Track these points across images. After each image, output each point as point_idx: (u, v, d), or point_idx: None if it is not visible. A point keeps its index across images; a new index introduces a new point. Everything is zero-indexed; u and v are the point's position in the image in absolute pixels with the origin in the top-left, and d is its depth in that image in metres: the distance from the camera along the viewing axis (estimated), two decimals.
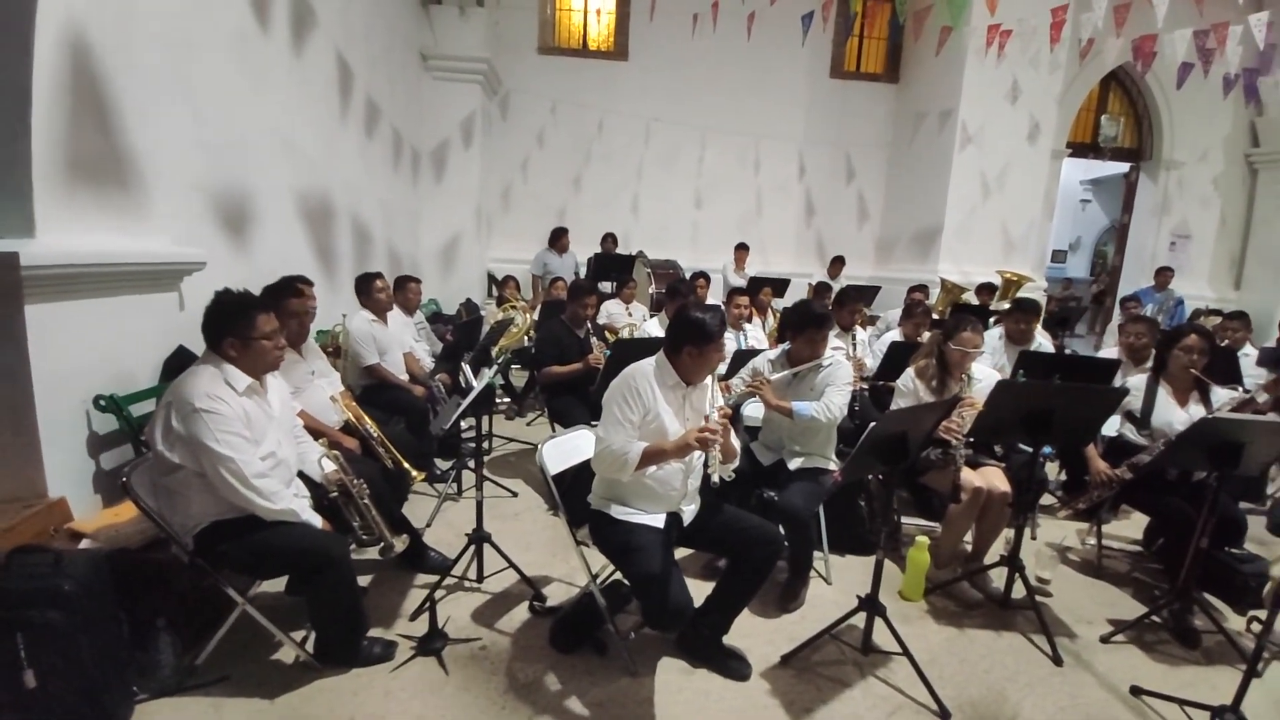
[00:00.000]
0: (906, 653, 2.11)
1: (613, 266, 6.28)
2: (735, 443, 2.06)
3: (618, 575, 2.17)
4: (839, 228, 8.55)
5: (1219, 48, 5.52)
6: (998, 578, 2.67)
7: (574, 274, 6.93)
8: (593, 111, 7.85)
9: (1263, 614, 1.85)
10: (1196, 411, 2.67)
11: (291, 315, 2.61)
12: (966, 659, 2.30)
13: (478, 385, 2.53)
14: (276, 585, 2.25)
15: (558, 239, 6.87)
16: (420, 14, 6.55)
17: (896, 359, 3.54)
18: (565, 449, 2.18)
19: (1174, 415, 2.68)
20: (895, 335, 4.04)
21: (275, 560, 1.90)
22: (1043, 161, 7.47)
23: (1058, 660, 2.29)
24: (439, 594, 2.42)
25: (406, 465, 2.59)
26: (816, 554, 2.72)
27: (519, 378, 5.30)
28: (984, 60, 6.59)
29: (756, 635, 2.32)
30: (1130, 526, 3.42)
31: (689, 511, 2.07)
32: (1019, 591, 2.56)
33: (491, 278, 7.48)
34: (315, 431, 2.44)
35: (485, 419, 4.16)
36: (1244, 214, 8.98)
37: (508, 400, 5.08)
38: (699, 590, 2.18)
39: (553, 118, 7.80)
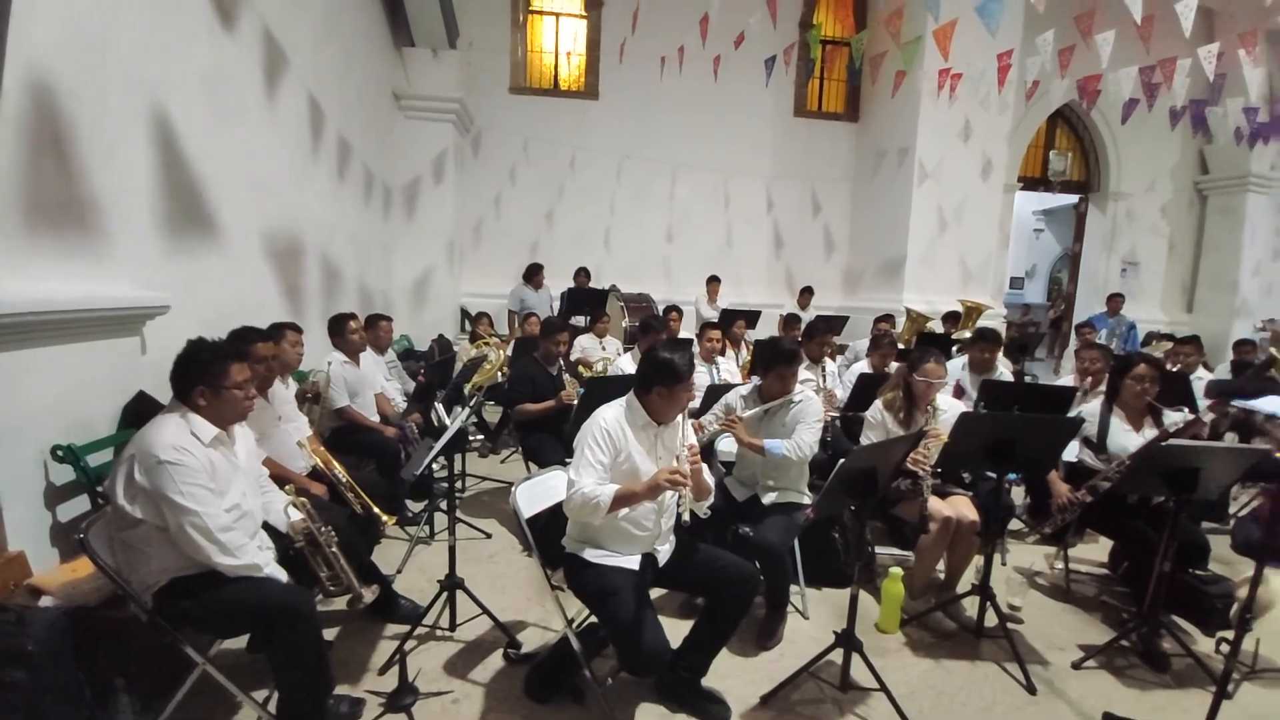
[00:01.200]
0: (884, 688, 2.11)
1: (586, 301, 6.33)
2: (709, 479, 2.07)
3: (595, 618, 2.14)
4: (807, 259, 8.77)
5: (1165, 82, 5.90)
6: (970, 606, 2.70)
7: (550, 309, 6.97)
8: (564, 149, 8.01)
9: (1231, 635, 1.88)
10: (1150, 435, 2.78)
11: (259, 360, 2.57)
12: (944, 692, 2.31)
13: (451, 427, 2.51)
14: (239, 643, 2.16)
15: (533, 275, 6.92)
16: (393, 56, 6.65)
17: (865, 390, 3.61)
18: (539, 491, 2.16)
19: (1128, 440, 2.78)
20: (864, 366, 4.13)
21: (237, 618, 1.83)
22: (996, 195, 7.82)
23: (1031, 689, 2.31)
24: (409, 645, 2.35)
25: (377, 510, 2.53)
26: (793, 588, 2.72)
27: (493, 414, 5.26)
28: (937, 102, 6.94)
29: (735, 675, 2.30)
30: (1097, 550, 3.50)
31: (664, 551, 2.06)
32: (992, 619, 2.59)
33: (465, 313, 7.46)
34: (282, 479, 2.38)
35: (458, 458, 4.15)
36: (1194, 240, 9.50)
37: (481, 438, 5.02)
38: (679, 629, 2.16)
39: (525, 155, 7.92)
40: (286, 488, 2.26)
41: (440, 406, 4.04)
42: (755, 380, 2.77)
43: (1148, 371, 2.79)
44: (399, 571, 2.99)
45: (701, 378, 4.03)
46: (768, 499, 2.62)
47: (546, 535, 2.14)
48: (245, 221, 3.67)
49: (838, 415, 3.86)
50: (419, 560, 3.13)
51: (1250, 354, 5.83)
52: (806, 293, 7.77)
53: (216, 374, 1.86)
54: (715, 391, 3.15)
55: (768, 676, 2.27)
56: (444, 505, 2.73)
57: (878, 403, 2.95)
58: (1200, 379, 4.71)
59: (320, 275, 4.80)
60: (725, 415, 2.68)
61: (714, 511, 2.55)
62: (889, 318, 6.27)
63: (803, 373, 3.98)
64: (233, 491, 1.87)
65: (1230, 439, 4.33)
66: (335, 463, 2.67)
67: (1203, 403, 4.11)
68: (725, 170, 8.40)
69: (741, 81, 7.60)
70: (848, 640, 2.19)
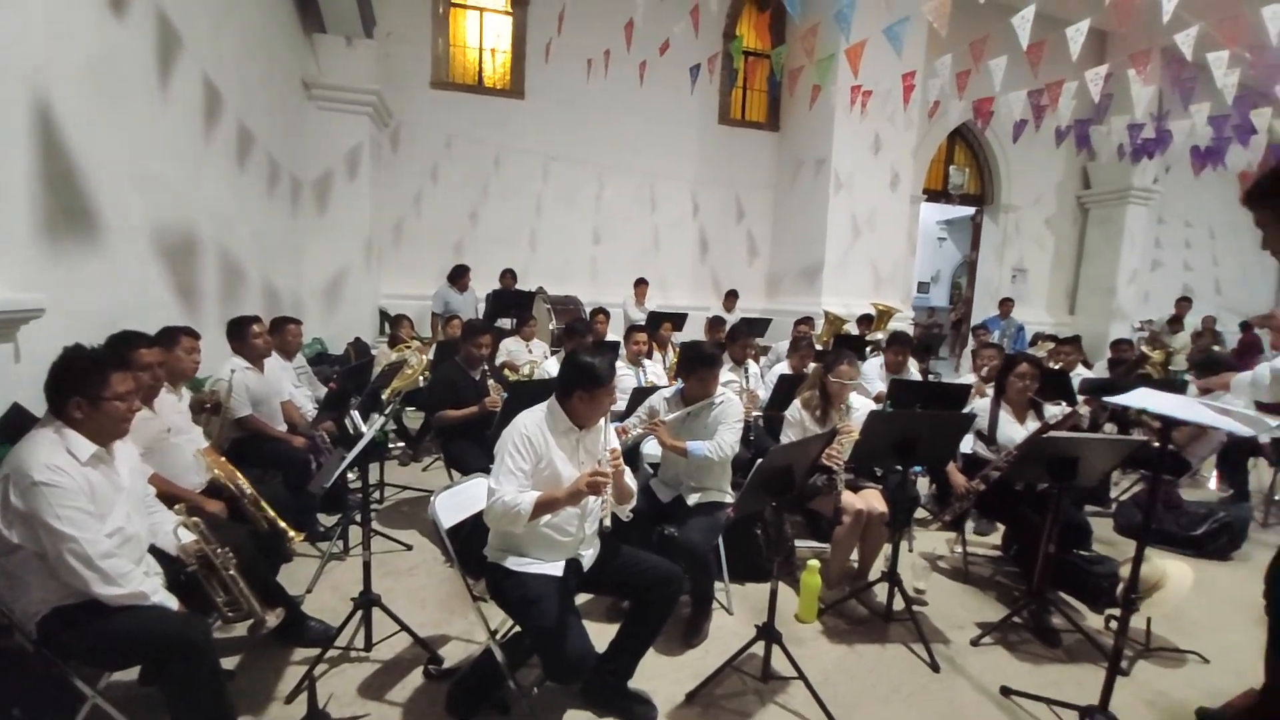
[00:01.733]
0: (802, 676, 2.20)
1: (512, 303, 6.22)
2: (631, 483, 2.08)
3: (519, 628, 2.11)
4: (732, 263, 9.01)
5: (1051, 104, 6.48)
6: (881, 592, 2.86)
7: (476, 312, 6.79)
8: (489, 148, 7.84)
9: (1119, 613, 2.01)
10: (1033, 427, 3.05)
11: (143, 368, 2.35)
12: (856, 675, 2.43)
13: (367, 433, 2.39)
14: (133, 673, 1.98)
15: (459, 277, 6.72)
16: (303, 42, 6.27)
17: (785, 390, 3.75)
18: (461, 499, 2.10)
19: (1014, 432, 3.04)
20: (784, 367, 4.29)
21: (124, 650, 1.68)
22: (903, 206, 8.35)
23: (935, 667, 2.46)
24: (320, 668, 2.22)
25: (284, 525, 2.38)
26: (718, 585, 2.79)
27: (414, 420, 5.06)
28: (850, 116, 7.32)
29: (662, 675, 2.32)
30: (995, 534, 3.79)
31: (588, 556, 2.05)
32: (900, 603, 2.74)
33: (384, 315, 7.14)
34: (172, 497, 2.19)
35: (376, 467, 3.97)
36: (1075, 249, 10.50)
37: (401, 445, 4.82)
38: (606, 632, 2.16)
39: (447, 152, 7.69)
40: (177, 507, 2.09)
41: (356, 414, 3.84)
42: (679, 383, 2.81)
43: (1029, 370, 3.06)
44: (309, 591, 2.82)
45: (628, 380, 4.06)
46: (692, 499, 2.67)
47: (471, 544, 2.09)
48: (132, 216, 3.35)
49: (760, 415, 3.99)
50: (331, 578, 2.97)
51: (1127, 352, 6.51)
52: (731, 296, 7.99)
53: (95, 384, 1.70)
54: (641, 394, 3.17)
55: (694, 673, 2.30)
56: (359, 518, 2.61)
57: (796, 402, 3.07)
58: (1080, 376, 5.22)
59: (219, 275, 4.45)
60: (649, 418, 2.71)
61: (640, 513, 2.58)
62: (808, 320, 6.55)
63: (727, 374, 4.10)
64: (115, 514, 1.72)
65: (1110, 430, 4.82)
66: (239, 475, 2.49)
67: (1082, 396, 4.55)
68: (652, 174, 8.50)
69: (667, 88, 7.72)
70: (768, 633, 2.26)
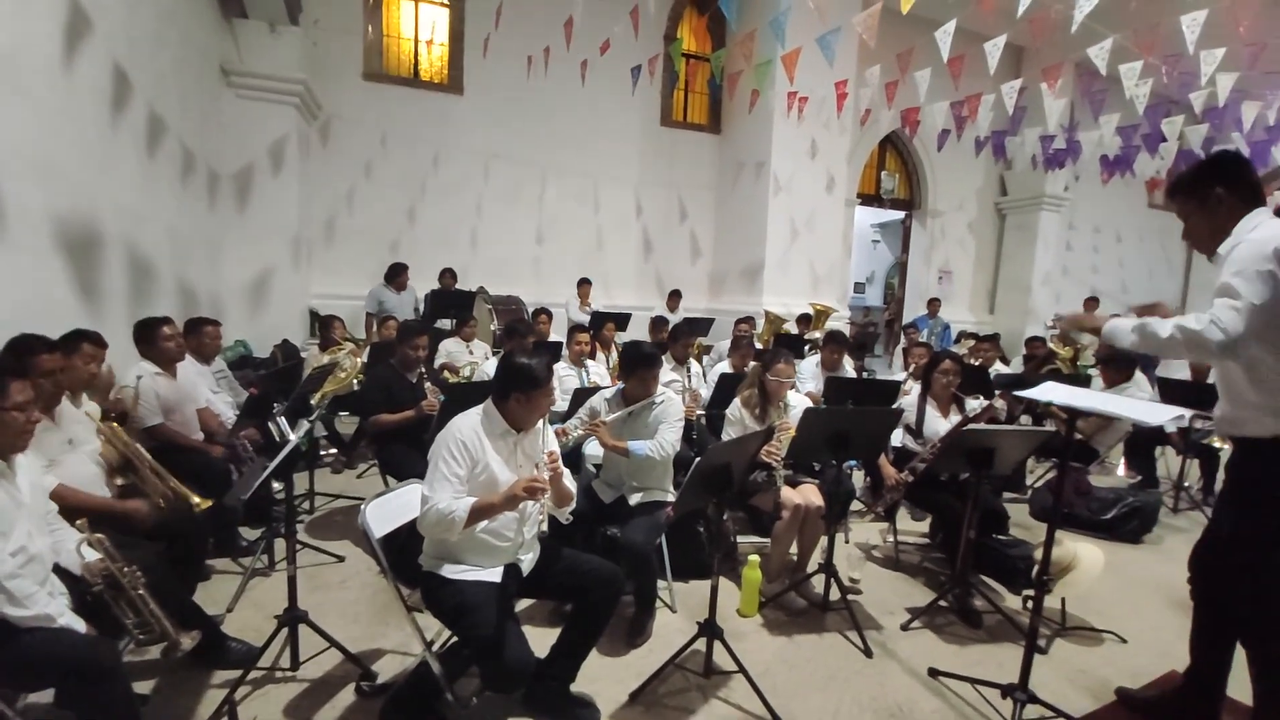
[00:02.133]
0: (742, 669, 2.24)
1: (452, 303, 6.06)
2: (570, 485, 2.07)
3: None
4: (675, 263, 9.09)
5: (971, 115, 6.86)
6: (819, 583, 2.95)
7: (414, 312, 6.58)
8: (427, 144, 7.61)
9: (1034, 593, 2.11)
10: (956, 420, 3.22)
11: (44, 374, 2.16)
12: (795, 665, 2.49)
13: (293, 440, 2.27)
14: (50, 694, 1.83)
15: (396, 275, 6.49)
16: (222, 27, 5.91)
17: (726, 388, 3.82)
18: (393, 507, 2.03)
19: (940, 425, 3.20)
20: (725, 366, 4.37)
21: (33, 672, 1.58)
22: (839, 209, 8.64)
23: (868, 652, 2.56)
24: (243, 690, 2.10)
25: (186, 492, 2.25)
26: (661, 583, 2.80)
27: (348, 425, 4.86)
28: (787, 121, 7.53)
29: (605, 677, 2.31)
30: (924, 523, 3.97)
31: (528, 561, 2.02)
32: (836, 593, 2.84)
33: (314, 316, 6.82)
34: (82, 509, 2.02)
35: (306, 475, 3.78)
36: (995, 251, 11.16)
37: (334, 452, 4.62)
38: (549, 637, 2.13)
39: (382, 148, 7.42)
40: (79, 523, 1.93)
41: (283, 420, 3.65)
42: (620, 384, 2.81)
43: (951, 366, 3.23)
44: (229, 610, 2.67)
45: (571, 381, 4.04)
46: (634, 499, 2.68)
47: (407, 553, 2.02)
48: (31, 209, 3.06)
49: (703, 414, 4.05)
50: (254, 595, 2.81)
51: (1040, 349, 6.97)
52: (675, 296, 8.06)
53: None
54: (584, 395, 3.16)
55: (637, 673, 2.31)
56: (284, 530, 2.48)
57: (736, 400, 3.13)
58: (998, 371, 5.56)
59: (127, 273, 4.12)
60: (590, 419, 2.70)
61: (582, 515, 2.57)
62: (749, 319, 6.68)
63: (669, 374, 4.14)
64: (17, 533, 1.62)
65: (1025, 421, 5.14)
66: (133, 443, 2.33)
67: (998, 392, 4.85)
68: (595, 174, 8.47)
69: (609, 88, 7.72)
70: (710, 629, 2.29)
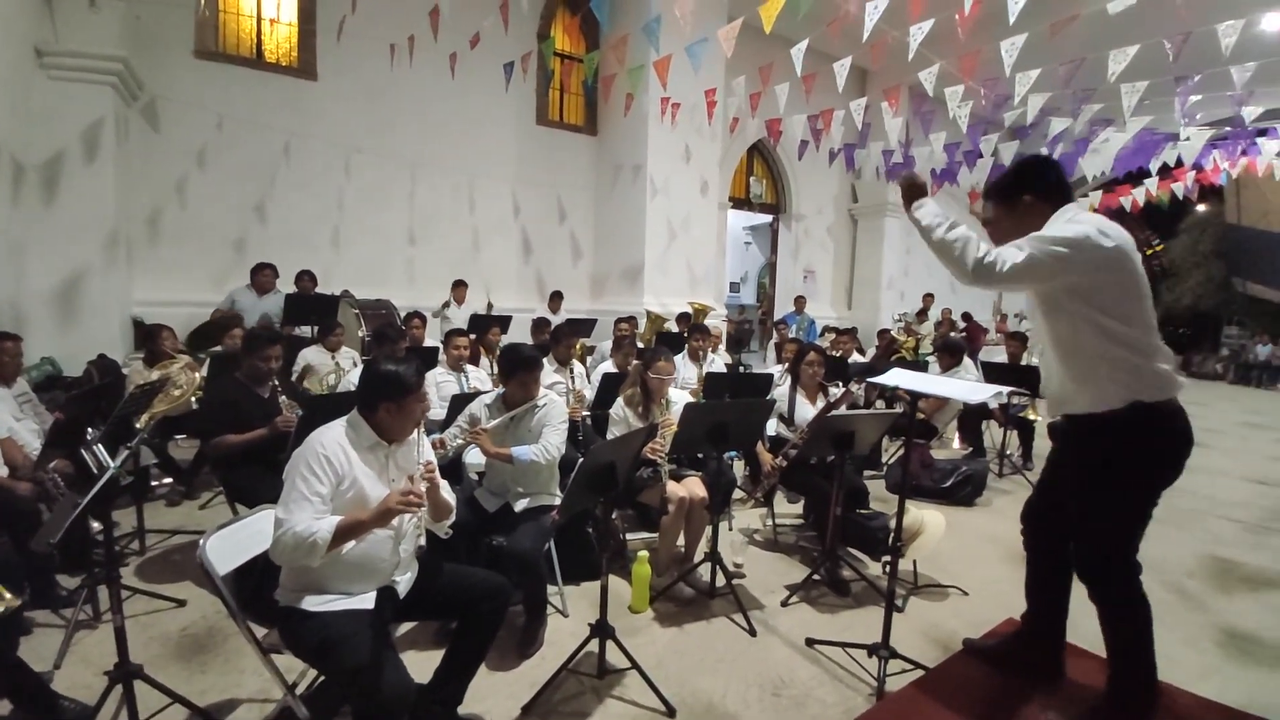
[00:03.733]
0: (635, 665, 2.26)
1: (311, 308, 5.53)
2: (449, 497, 1.96)
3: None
4: (556, 264, 9.00)
5: (826, 129, 7.45)
6: (705, 571, 3.06)
7: (278, 318, 5.90)
8: (275, 132, 6.89)
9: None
10: (822, 406, 3.48)
11: None
12: (686, 653, 2.56)
13: (111, 469, 1.95)
14: None
15: (257, 274, 5.79)
16: (41, 7, 4.99)
17: (610, 388, 3.84)
18: (241, 538, 1.80)
19: (808, 412, 3.45)
20: (609, 366, 4.39)
21: None
22: (713, 211, 9.04)
23: (752, 632, 2.69)
24: None
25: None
26: (551, 588, 2.75)
27: (187, 451, 4.28)
28: (661, 125, 7.74)
29: (496, 692, 2.23)
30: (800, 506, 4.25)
31: (404, 581, 1.89)
32: (722, 580, 2.95)
33: (139, 326, 5.93)
34: None
35: (135, 511, 3.28)
36: (850, 253, 12.25)
37: (169, 481, 4.04)
38: (436, 660, 2.00)
39: (219, 134, 6.60)
40: None
41: (100, 448, 3.13)
42: (500, 389, 2.73)
43: (817, 358, 3.50)
44: (57, 667, 2.28)
45: (449, 387, 3.86)
46: (519, 506, 2.60)
47: (265, 588, 1.80)
48: None
49: (589, 415, 4.04)
50: (83, 649, 2.41)
51: (886, 338, 7.76)
52: (556, 297, 7.99)
53: None
54: (462, 401, 3.02)
55: (530, 683, 2.25)
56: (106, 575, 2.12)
57: (619, 399, 3.15)
58: (855, 361, 6.11)
59: None
60: (470, 426, 2.59)
61: (466, 526, 2.45)
62: (631, 319, 6.78)
63: (553, 375, 4.09)
64: None
65: (880, 406, 5.68)
66: None
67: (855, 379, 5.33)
68: (469, 172, 8.16)
69: (482, 84, 7.48)
70: (602, 629, 2.29)
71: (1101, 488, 1.87)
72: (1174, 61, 4.81)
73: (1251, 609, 3.09)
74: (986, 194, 2.12)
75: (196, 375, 3.70)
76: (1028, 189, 1.97)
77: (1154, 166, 8.21)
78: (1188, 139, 7.46)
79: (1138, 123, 6.89)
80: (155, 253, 6.42)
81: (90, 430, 2.82)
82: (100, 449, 3.11)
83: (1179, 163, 7.78)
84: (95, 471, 2.95)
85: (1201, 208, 16.98)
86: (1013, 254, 1.79)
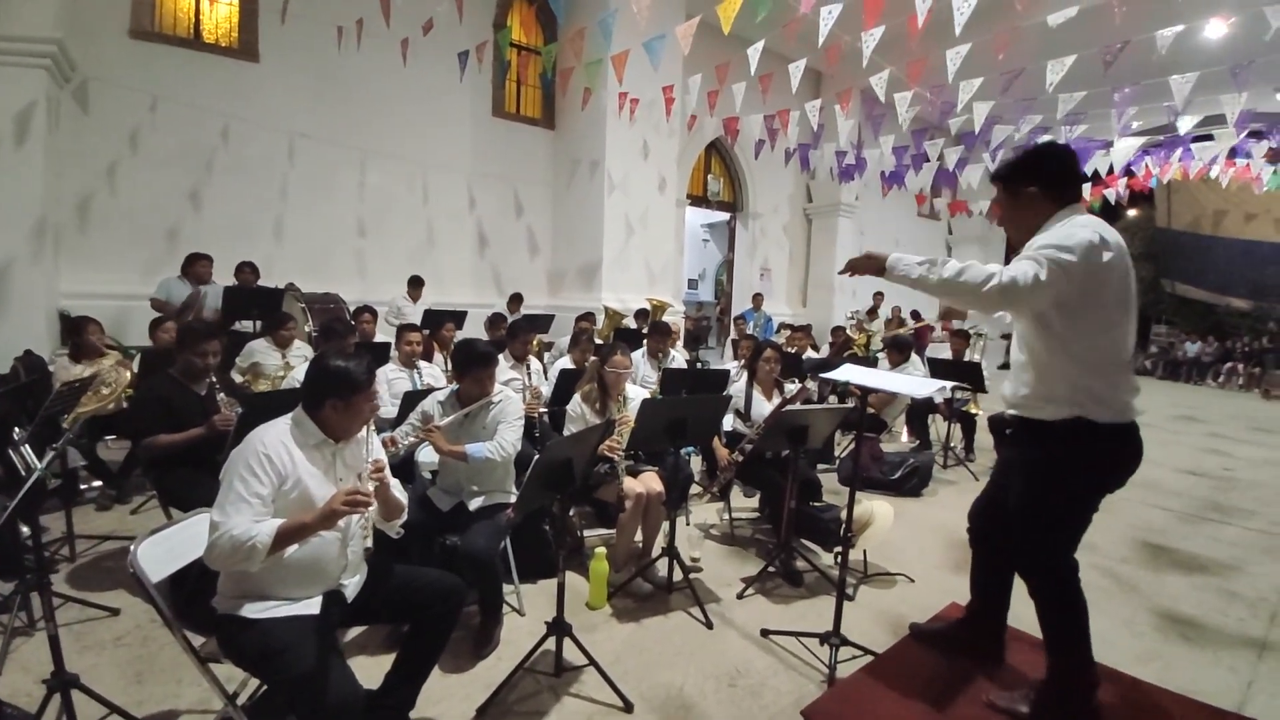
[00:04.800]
0: (593, 662, 2.25)
1: (252, 301, 5.28)
2: (400, 496, 1.91)
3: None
4: (512, 260, 8.86)
5: (782, 128, 7.56)
6: (663, 566, 3.07)
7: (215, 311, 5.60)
8: (212, 115, 6.53)
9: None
10: (778, 401, 3.55)
11: None
12: (644, 649, 2.57)
13: (37, 470, 1.83)
14: None
15: (192, 265, 5.47)
16: None
17: (567, 384, 3.81)
18: (175, 543, 1.71)
19: (765, 408, 3.51)
20: (566, 362, 4.36)
21: None
22: (671, 209, 9.07)
23: (709, 624, 2.72)
24: None
25: None
26: (508, 587, 2.72)
27: (116, 452, 4.03)
28: (619, 121, 7.71)
29: (450, 695, 2.19)
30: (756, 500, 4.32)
31: (352, 585, 1.82)
32: (680, 574, 2.98)
33: (66, 319, 5.55)
34: None
35: (64, 515, 3.08)
36: (805, 251, 12.49)
37: (99, 484, 3.80)
38: (388, 665, 1.95)
39: (152, 116, 6.22)
40: None
41: (27, 449, 2.91)
42: (454, 385, 2.67)
43: (773, 354, 3.56)
44: None
45: (401, 384, 3.76)
46: (474, 504, 2.56)
47: (202, 595, 1.71)
48: None
49: (546, 411, 4.00)
50: (20, 657, 2.29)
51: (840, 336, 7.95)
52: (516, 300, 7.87)
53: None
54: (415, 398, 2.94)
55: (485, 684, 2.21)
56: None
57: (576, 396, 3.14)
58: (809, 358, 6.24)
59: None
60: (423, 423, 2.53)
61: (419, 526, 2.39)
62: (589, 316, 6.74)
63: (509, 372, 4.03)
64: None
65: (833, 401, 5.82)
66: None
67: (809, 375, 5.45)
68: (422, 163, 7.94)
69: (436, 72, 7.29)
70: (559, 627, 2.27)
71: (1042, 490, 1.86)
72: (1105, 73, 5.08)
73: (1186, 593, 3.27)
74: (994, 177, 2.02)
75: (127, 373, 3.49)
76: (1032, 180, 1.86)
77: (1087, 172, 8.65)
78: (1116, 146, 7.88)
79: (1075, 132, 7.24)
80: (84, 242, 6.01)
81: (17, 430, 2.63)
82: (27, 450, 2.91)
83: (1110, 170, 8.22)
84: (23, 474, 2.76)
85: (1132, 212, 18.04)
86: (1030, 267, 1.66)
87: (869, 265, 1.90)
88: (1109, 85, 5.87)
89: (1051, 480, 1.84)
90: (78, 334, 3.83)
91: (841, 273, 2.05)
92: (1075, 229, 1.72)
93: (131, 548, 1.62)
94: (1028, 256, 1.71)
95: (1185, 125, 7.19)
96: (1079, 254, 1.66)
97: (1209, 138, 8.00)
